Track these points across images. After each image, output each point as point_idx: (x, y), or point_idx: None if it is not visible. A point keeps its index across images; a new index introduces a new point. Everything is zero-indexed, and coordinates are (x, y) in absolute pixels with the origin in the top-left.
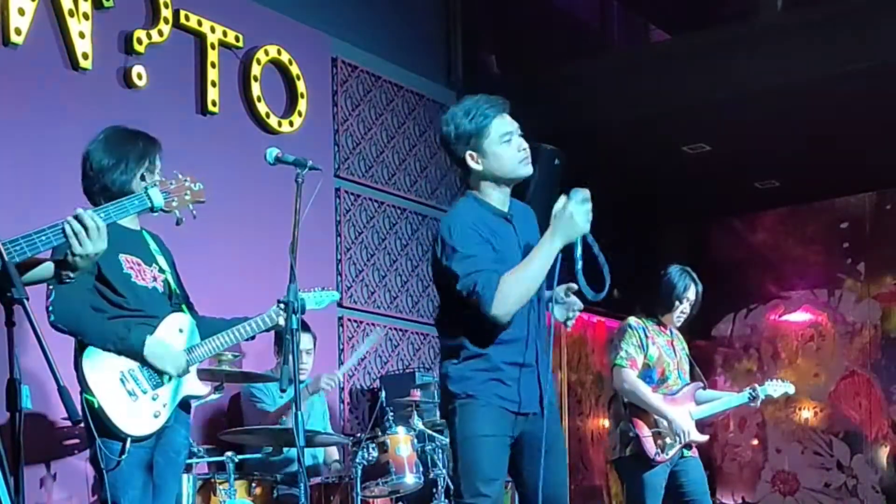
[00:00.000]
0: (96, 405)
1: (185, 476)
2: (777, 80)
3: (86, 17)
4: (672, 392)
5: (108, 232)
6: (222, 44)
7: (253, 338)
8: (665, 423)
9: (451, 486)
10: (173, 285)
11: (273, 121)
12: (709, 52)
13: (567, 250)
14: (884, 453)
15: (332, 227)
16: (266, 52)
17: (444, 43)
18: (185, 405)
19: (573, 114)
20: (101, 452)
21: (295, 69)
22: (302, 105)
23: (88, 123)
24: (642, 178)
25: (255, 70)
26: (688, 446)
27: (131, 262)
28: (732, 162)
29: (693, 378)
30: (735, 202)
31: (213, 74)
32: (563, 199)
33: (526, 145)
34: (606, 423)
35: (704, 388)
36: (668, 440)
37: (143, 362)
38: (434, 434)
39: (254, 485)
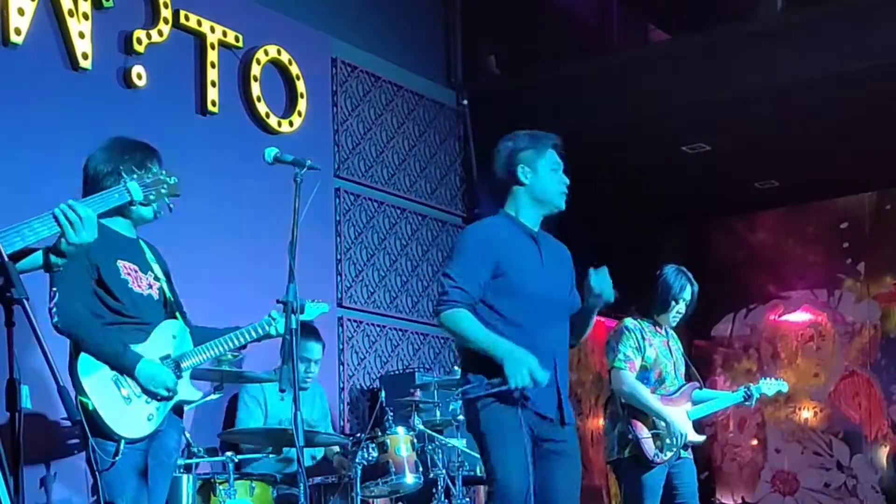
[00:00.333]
0: (90, 407)
1: (185, 476)
2: (777, 80)
3: (85, 17)
4: (669, 393)
5: (107, 238)
6: (222, 44)
7: (244, 347)
8: (664, 424)
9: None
10: (168, 294)
11: (273, 121)
12: (709, 52)
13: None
14: (883, 453)
15: (331, 228)
16: (266, 52)
17: (444, 43)
18: (177, 409)
19: (573, 114)
20: (95, 453)
21: (295, 69)
22: (302, 105)
23: (88, 123)
24: (642, 178)
25: (255, 70)
26: (685, 447)
27: (128, 268)
28: (732, 162)
29: (689, 378)
30: (735, 202)
31: (212, 74)
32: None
33: (568, 182)
34: None
35: (701, 388)
36: (666, 441)
37: (137, 382)
38: (434, 434)
39: (253, 485)
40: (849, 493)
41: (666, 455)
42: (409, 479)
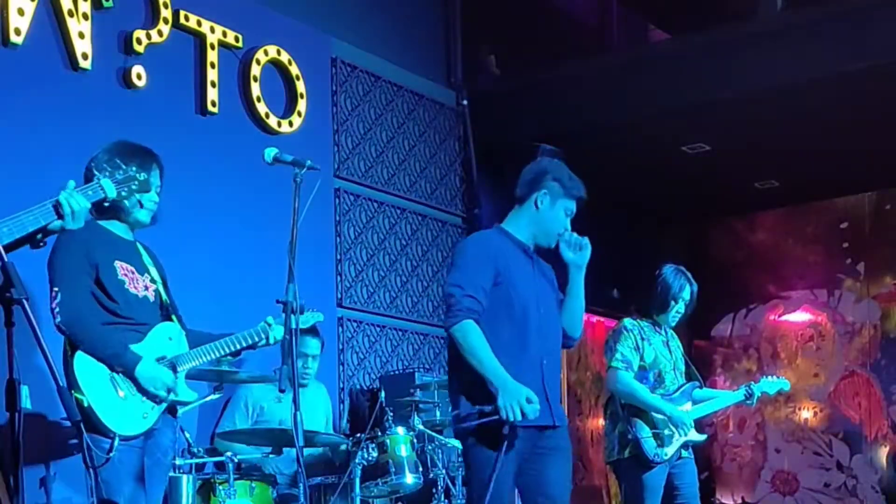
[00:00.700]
0: (85, 404)
1: (184, 476)
2: (777, 80)
3: (85, 17)
4: (669, 392)
5: (105, 239)
6: (222, 44)
7: (237, 353)
8: (663, 418)
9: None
10: (164, 296)
11: (272, 121)
12: (709, 52)
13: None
14: (883, 453)
15: (331, 228)
16: (266, 53)
17: (444, 43)
18: (171, 409)
19: (573, 114)
20: (90, 449)
21: (294, 69)
22: (301, 105)
23: (88, 123)
24: (642, 178)
25: (255, 70)
26: (685, 447)
27: (125, 269)
28: (732, 162)
29: (689, 377)
30: (735, 202)
31: (212, 75)
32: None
33: (569, 228)
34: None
35: (701, 387)
36: (666, 431)
37: (134, 382)
38: (434, 434)
39: (253, 485)
40: (849, 493)
41: (667, 454)
42: (409, 479)
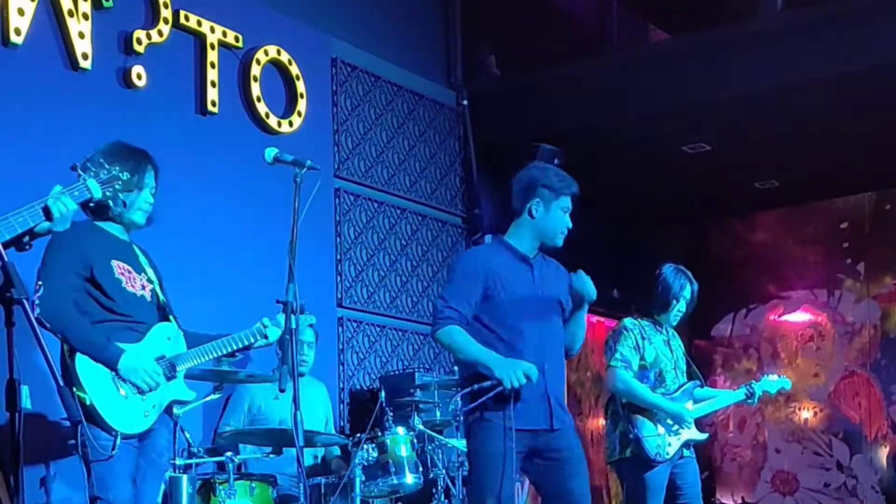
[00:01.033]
0: (88, 402)
1: (184, 476)
2: (777, 80)
3: (85, 17)
4: (670, 391)
5: (102, 239)
6: (222, 44)
7: (233, 354)
8: (664, 415)
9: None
10: (161, 297)
11: (272, 121)
12: (709, 52)
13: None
14: (883, 453)
15: (331, 228)
16: (266, 53)
17: (444, 43)
18: (168, 409)
19: (573, 114)
20: (89, 441)
21: (294, 69)
22: (301, 105)
23: (88, 123)
24: (642, 178)
25: (255, 70)
26: (687, 446)
27: (122, 268)
28: (732, 162)
29: (690, 376)
30: (735, 202)
31: (212, 75)
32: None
33: (570, 225)
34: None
35: (702, 386)
36: (667, 421)
37: (117, 374)
38: (434, 434)
39: (253, 485)
40: (849, 493)
41: (668, 453)
42: (409, 479)
